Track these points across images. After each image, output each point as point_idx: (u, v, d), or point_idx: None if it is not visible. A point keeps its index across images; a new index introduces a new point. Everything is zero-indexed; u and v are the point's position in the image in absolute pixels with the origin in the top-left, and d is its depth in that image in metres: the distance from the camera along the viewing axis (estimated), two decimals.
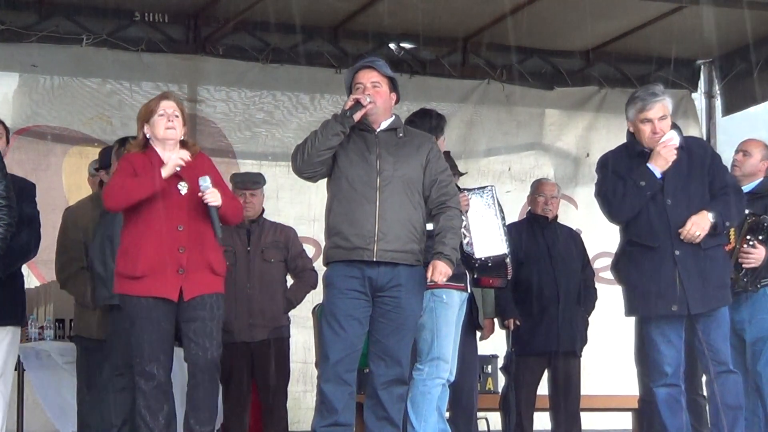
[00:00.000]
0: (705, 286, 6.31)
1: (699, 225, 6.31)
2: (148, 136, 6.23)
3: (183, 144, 6.27)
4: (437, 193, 6.14)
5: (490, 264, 6.69)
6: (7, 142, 7.05)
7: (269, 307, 7.80)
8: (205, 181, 6.09)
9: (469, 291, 6.80)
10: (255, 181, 8.03)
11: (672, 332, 6.39)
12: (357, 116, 6.05)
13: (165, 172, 6.06)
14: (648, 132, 6.42)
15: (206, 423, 6.14)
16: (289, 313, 8.01)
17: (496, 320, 8.23)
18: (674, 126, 6.58)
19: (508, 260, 6.78)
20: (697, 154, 6.50)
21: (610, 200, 6.55)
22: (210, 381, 6.15)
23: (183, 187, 6.12)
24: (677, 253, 6.31)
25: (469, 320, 7.73)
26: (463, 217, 6.48)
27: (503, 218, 6.89)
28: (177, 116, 6.22)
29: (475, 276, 6.79)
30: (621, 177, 6.47)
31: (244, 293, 7.73)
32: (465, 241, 6.62)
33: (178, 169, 6.09)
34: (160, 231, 6.07)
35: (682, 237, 6.30)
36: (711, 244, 6.35)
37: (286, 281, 7.99)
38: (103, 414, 6.76)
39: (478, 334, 8.02)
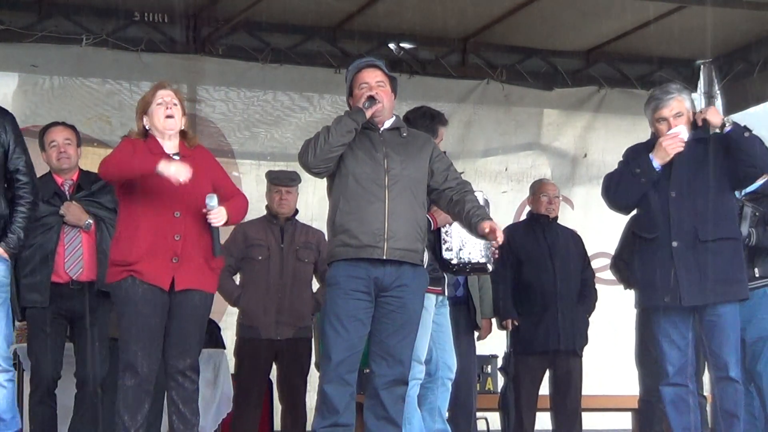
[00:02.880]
0: (702, 280, 6.23)
1: (714, 111, 6.31)
2: (147, 127, 6.14)
3: (183, 134, 6.19)
4: (455, 181, 6.16)
5: (468, 269, 6.70)
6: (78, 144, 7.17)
7: (298, 306, 7.78)
8: (212, 200, 5.99)
9: (446, 294, 6.81)
10: (291, 179, 7.99)
11: (674, 332, 6.37)
12: (369, 113, 6.07)
13: (159, 167, 5.86)
14: (665, 131, 6.37)
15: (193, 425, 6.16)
16: None
17: (494, 321, 8.23)
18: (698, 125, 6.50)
19: (488, 265, 6.76)
20: (716, 146, 6.38)
21: (607, 186, 6.55)
22: (191, 383, 6.11)
23: None
24: (675, 244, 6.27)
25: (467, 321, 7.74)
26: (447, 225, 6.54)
27: None
28: (176, 104, 6.12)
29: (454, 270, 6.78)
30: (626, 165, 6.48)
31: (276, 290, 7.73)
32: (444, 246, 6.61)
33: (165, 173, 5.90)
34: (156, 217, 5.98)
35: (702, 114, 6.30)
36: (712, 237, 6.27)
37: (312, 283, 7.97)
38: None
39: (476, 334, 8.02)
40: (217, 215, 6.02)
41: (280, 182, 7.93)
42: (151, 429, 6.25)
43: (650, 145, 6.50)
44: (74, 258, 6.90)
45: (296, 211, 8.02)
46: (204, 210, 6.00)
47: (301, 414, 7.85)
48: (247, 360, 7.84)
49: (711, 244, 6.28)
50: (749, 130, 6.28)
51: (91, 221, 6.89)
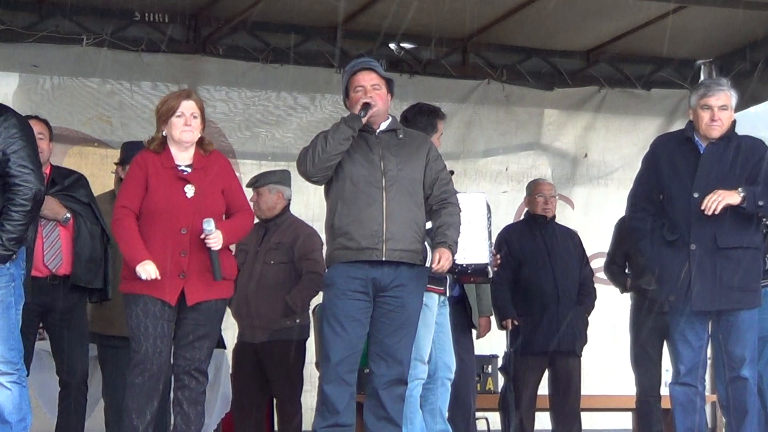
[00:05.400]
0: (716, 286, 6.26)
1: (722, 194, 6.22)
2: (165, 134, 6.21)
3: (200, 141, 6.25)
4: (439, 190, 6.18)
5: (470, 271, 6.70)
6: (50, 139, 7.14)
7: (266, 309, 7.74)
8: (209, 225, 6.03)
9: (447, 294, 6.81)
10: (254, 182, 7.98)
11: (691, 332, 6.39)
12: (365, 119, 6.10)
13: (138, 270, 5.98)
14: (707, 118, 6.39)
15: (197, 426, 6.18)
16: None
17: (492, 319, 8.21)
18: (733, 122, 6.53)
19: (489, 267, 6.77)
20: (746, 153, 6.41)
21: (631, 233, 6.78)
22: (198, 385, 6.17)
23: (189, 190, 6.10)
24: (693, 247, 6.29)
25: (465, 320, 7.73)
26: None
27: (490, 225, 6.86)
28: (195, 117, 6.18)
29: (455, 277, 6.81)
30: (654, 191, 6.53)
31: (244, 294, 7.72)
32: None
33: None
34: (163, 234, 6.06)
35: (702, 207, 6.22)
36: (731, 244, 6.29)
37: (291, 284, 7.84)
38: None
39: (474, 333, 8.00)
40: (215, 239, 6.06)
41: (249, 185, 7.87)
42: (159, 428, 6.27)
43: (680, 134, 6.56)
44: (53, 251, 6.91)
45: (282, 212, 7.95)
46: (201, 235, 6.05)
47: (289, 415, 7.83)
48: (236, 362, 7.96)
49: (729, 251, 6.30)
50: (760, 206, 6.29)
51: (69, 215, 6.91)
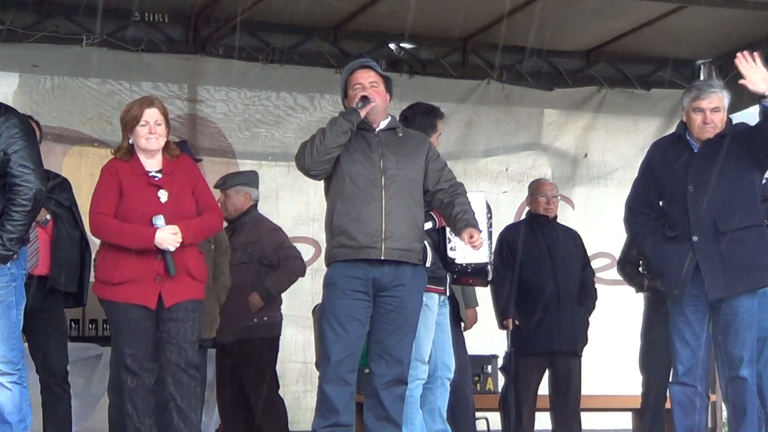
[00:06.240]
0: (726, 271, 6.27)
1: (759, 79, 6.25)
2: (131, 142, 6.28)
3: (165, 146, 6.32)
4: (447, 183, 6.20)
5: (470, 270, 6.69)
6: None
7: (232, 309, 7.71)
8: (158, 220, 6.12)
9: (447, 293, 6.82)
10: (221, 183, 8.02)
11: (688, 331, 6.39)
12: (363, 112, 6.10)
13: (156, 241, 6.08)
14: (699, 121, 6.40)
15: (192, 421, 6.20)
16: (287, 313, 7.95)
17: (479, 311, 8.19)
18: (729, 121, 6.53)
19: (489, 267, 6.77)
20: (735, 137, 6.41)
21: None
22: (190, 379, 6.19)
23: (163, 195, 6.19)
24: (695, 239, 6.30)
25: (453, 315, 7.72)
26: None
27: (491, 226, 6.86)
28: (159, 124, 6.25)
29: (455, 277, 6.80)
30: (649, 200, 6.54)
31: (212, 295, 7.74)
32: (448, 246, 6.62)
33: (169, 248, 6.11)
34: None
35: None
36: (732, 227, 6.29)
37: (253, 283, 7.83)
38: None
39: (462, 326, 7.97)
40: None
41: (216, 186, 7.88)
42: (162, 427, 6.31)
43: (673, 134, 6.57)
44: (30, 251, 6.90)
45: (247, 211, 7.95)
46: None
47: (267, 414, 7.81)
48: (216, 363, 7.99)
49: (732, 234, 6.30)
50: None
51: (48, 217, 6.96)
